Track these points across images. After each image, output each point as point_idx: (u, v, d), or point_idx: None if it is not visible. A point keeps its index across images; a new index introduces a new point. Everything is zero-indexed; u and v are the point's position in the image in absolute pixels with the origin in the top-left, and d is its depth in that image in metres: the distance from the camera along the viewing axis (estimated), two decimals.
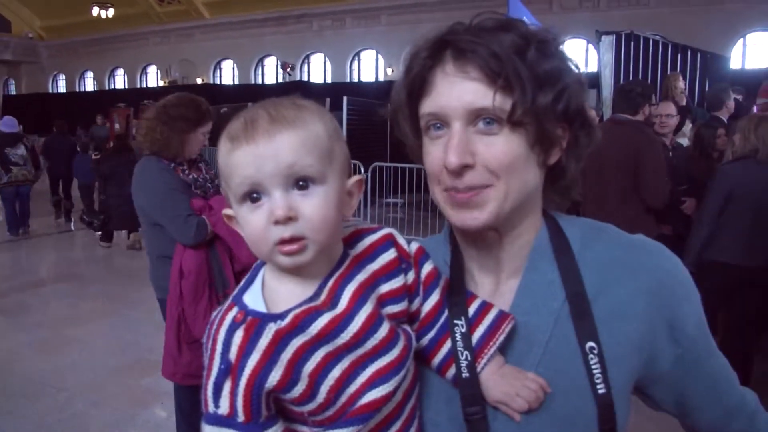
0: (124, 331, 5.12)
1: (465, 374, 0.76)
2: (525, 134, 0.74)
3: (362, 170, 9.20)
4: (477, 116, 0.73)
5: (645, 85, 4.17)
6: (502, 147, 0.73)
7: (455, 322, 0.78)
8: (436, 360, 0.79)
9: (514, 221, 0.80)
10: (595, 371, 0.75)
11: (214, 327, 0.71)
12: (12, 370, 4.21)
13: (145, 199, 2.64)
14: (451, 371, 0.78)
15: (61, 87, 31.46)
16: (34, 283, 6.78)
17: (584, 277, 0.79)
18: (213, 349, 0.70)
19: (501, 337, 0.77)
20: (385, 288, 0.75)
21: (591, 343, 0.76)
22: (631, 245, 0.83)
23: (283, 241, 0.68)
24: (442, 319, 0.80)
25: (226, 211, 0.75)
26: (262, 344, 0.68)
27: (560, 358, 0.77)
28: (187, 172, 2.69)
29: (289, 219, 0.67)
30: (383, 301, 0.75)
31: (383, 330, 0.71)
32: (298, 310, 0.69)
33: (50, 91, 30.95)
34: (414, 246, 0.82)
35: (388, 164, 9.23)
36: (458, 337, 0.77)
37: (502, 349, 0.78)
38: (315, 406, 0.70)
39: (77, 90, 30.01)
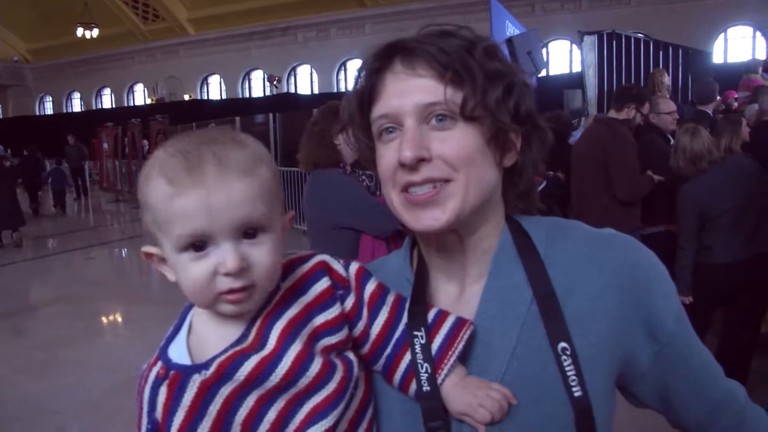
0: (117, 350, 5.07)
1: (426, 388, 0.73)
2: (480, 129, 0.74)
3: None
4: (429, 113, 0.73)
5: (641, 89, 4.22)
6: (457, 141, 0.73)
7: (415, 333, 0.75)
8: (397, 377, 0.75)
9: (475, 223, 0.78)
10: (569, 373, 0.71)
11: (142, 383, 0.68)
12: (6, 394, 4.16)
13: (327, 204, 2.57)
14: (413, 387, 0.74)
15: (48, 109, 31.38)
16: (24, 306, 6.71)
17: (552, 277, 0.76)
18: (140, 407, 0.67)
19: (460, 345, 0.73)
20: (319, 320, 0.72)
21: (563, 344, 0.72)
22: (600, 240, 0.80)
23: (232, 291, 0.65)
24: (397, 334, 0.76)
25: (148, 249, 0.70)
26: (186, 400, 0.64)
27: (529, 363, 0.73)
28: (362, 177, 2.66)
29: (241, 270, 0.64)
30: (318, 333, 0.71)
31: (315, 366, 0.68)
32: (222, 357, 0.66)
33: (37, 113, 30.86)
34: (354, 267, 0.79)
35: None
36: (418, 348, 0.74)
37: (464, 359, 0.74)
38: None
39: (64, 111, 29.94)
